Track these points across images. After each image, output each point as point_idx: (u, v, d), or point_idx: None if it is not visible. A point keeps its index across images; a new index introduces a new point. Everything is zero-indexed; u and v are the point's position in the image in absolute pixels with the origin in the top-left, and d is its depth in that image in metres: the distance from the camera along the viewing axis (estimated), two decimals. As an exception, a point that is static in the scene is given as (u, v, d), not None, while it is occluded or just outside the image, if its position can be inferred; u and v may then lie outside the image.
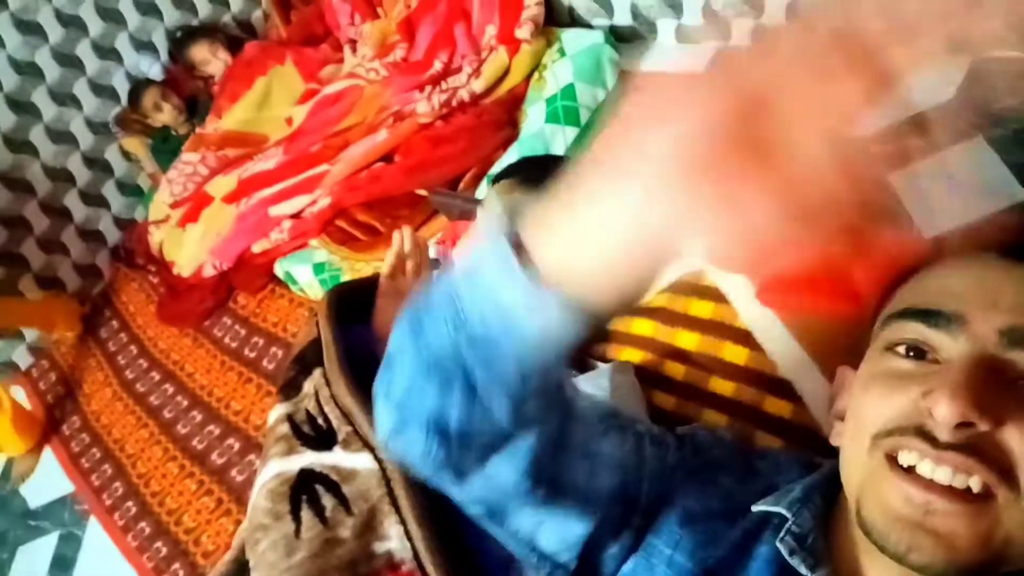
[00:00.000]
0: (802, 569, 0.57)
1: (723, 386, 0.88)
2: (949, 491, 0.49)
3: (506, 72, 2.06)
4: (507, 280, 0.43)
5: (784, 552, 0.58)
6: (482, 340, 0.46)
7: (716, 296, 0.93)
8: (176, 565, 1.97)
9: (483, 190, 1.90)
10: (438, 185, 1.95)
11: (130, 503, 2.20)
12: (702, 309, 0.93)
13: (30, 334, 2.85)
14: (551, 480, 0.61)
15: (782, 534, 0.59)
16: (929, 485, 0.49)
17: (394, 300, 0.96)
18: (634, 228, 0.38)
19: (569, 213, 0.41)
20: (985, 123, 1.41)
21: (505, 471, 0.57)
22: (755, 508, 0.63)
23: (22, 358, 2.86)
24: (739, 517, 0.64)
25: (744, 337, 0.88)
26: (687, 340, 0.93)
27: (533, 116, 1.96)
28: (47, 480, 2.44)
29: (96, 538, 2.19)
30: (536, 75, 2.05)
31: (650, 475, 0.67)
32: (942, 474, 0.49)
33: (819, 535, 0.60)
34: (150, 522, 2.12)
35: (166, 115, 2.87)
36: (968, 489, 0.48)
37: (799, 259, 0.75)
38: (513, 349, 0.46)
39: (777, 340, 0.87)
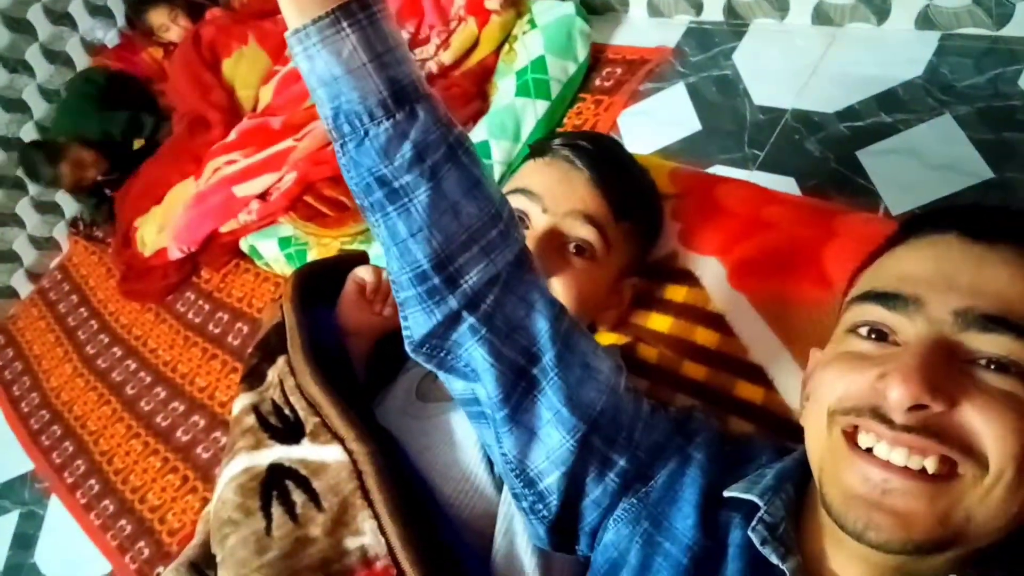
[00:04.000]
0: (773, 558, 0.57)
1: (695, 370, 0.88)
2: (905, 471, 0.50)
3: (475, 43, 2.02)
4: (300, 60, 0.59)
5: (756, 541, 0.59)
6: (343, 124, 0.60)
7: (690, 279, 0.92)
8: (141, 543, 1.96)
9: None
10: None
11: (92, 481, 2.18)
12: (675, 293, 0.93)
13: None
14: (566, 344, 0.68)
15: (754, 523, 0.60)
16: (886, 465, 0.51)
17: (356, 312, 0.94)
18: None
19: None
20: (951, 101, 1.42)
21: (537, 318, 0.67)
22: (727, 494, 0.64)
23: (-24, 334, 2.79)
24: (717, 502, 0.65)
25: (717, 321, 0.88)
26: (660, 323, 0.92)
27: (503, 89, 1.93)
28: (6, 457, 2.39)
29: (58, 516, 2.17)
30: (506, 47, 2.01)
31: (643, 427, 0.70)
32: (898, 455, 0.50)
33: (790, 524, 0.61)
34: (113, 500, 2.10)
35: (173, 34, 2.75)
36: (923, 469, 0.50)
37: (770, 243, 0.78)
38: (352, 99, 0.59)
39: (749, 324, 0.86)
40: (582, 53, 1.94)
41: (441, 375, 0.72)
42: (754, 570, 0.59)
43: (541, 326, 0.67)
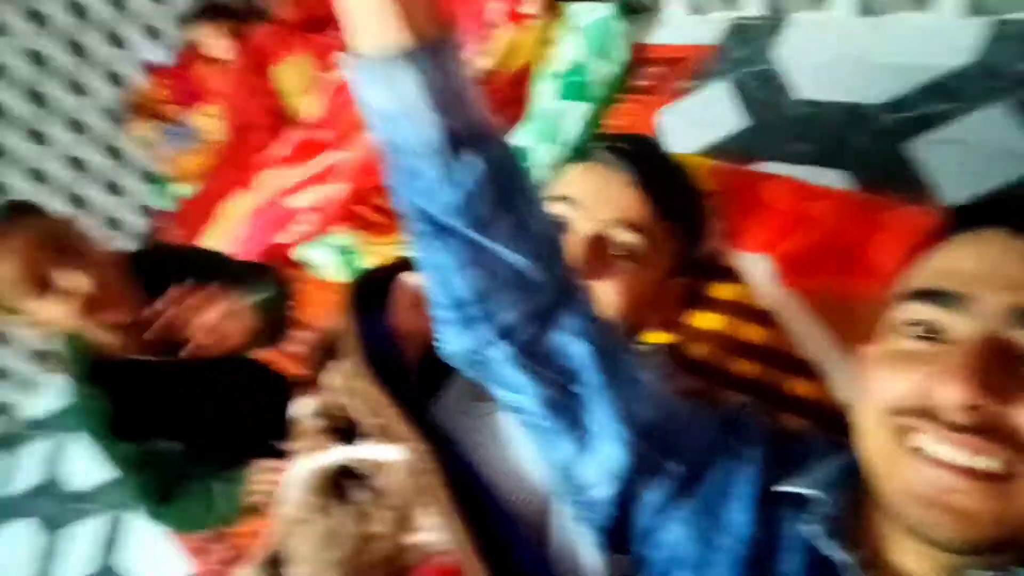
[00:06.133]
0: (834, 551, 0.57)
1: (745, 367, 0.88)
2: (967, 471, 0.49)
3: (514, 49, 2.04)
4: (358, 85, 0.58)
5: (816, 535, 0.58)
6: (395, 155, 0.59)
7: (736, 277, 0.93)
8: (218, 546, 2.00)
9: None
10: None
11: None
12: (723, 291, 0.93)
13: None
14: (612, 363, 0.67)
15: (814, 516, 0.59)
16: (948, 466, 0.50)
17: (409, 317, 0.96)
18: None
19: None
20: (1007, 87, 1.38)
21: (579, 341, 0.66)
22: (784, 488, 0.64)
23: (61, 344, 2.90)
24: (773, 497, 0.65)
25: (764, 317, 0.88)
26: (708, 321, 0.93)
27: (543, 92, 1.94)
28: (93, 463, 2.48)
29: (143, 521, 2.23)
30: (545, 50, 2.02)
31: (692, 430, 0.70)
32: (960, 456, 0.50)
33: (852, 517, 0.60)
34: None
35: (221, 50, 2.80)
36: (984, 469, 0.49)
37: (817, 238, 0.77)
38: (405, 136, 0.57)
39: (798, 320, 0.87)
40: (622, 54, 1.94)
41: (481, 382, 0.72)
42: (813, 563, 0.59)
43: (584, 348, 0.66)
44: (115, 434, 1.18)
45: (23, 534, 2.49)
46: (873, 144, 1.50)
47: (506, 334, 0.64)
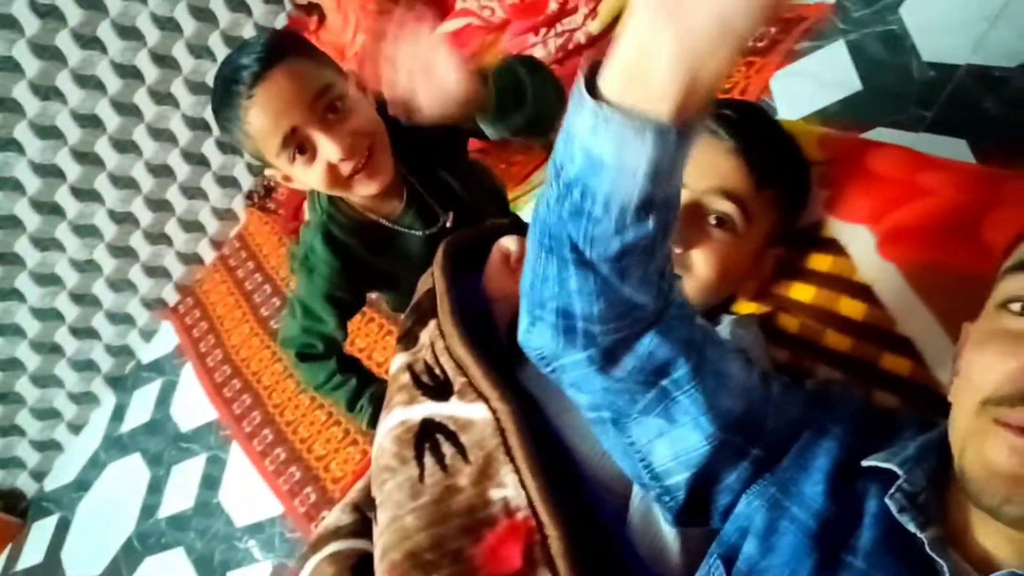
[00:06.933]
0: (911, 527, 0.56)
1: (839, 341, 0.86)
2: None
3: (623, 10, 2.00)
4: (582, 114, 0.51)
5: (894, 509, 0.58)
6: (576, 192, 0.54)
7: (835, 248, 0.90)
8: (308, 489, 2.14)
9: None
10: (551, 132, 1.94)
11: (267, 431, 2.39)
12: (820, 262, 0.90)
13: (176, 272, 3.09)
14: (700, 357, 0.65)
15: (892, 491, 0.59)
16: None
17: (500, 280, 0.97)
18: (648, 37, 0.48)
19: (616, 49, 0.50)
20: None
21: (660, 348, 0.63)
22: (866, 463, 0.63)
23: (170, 295, 3.11)
24: (855, 472, 0.64)
25: (863, 291, 0.85)
26: (803, 293, 0.91)
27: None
28: (196, 406, 2.68)
29: (238, 461, 2.40)
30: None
31: (775, 412, 0.69)
32: None
33: (932, 494, 0.59)
34: (285, 448, 2.30)
35: None
36: None
37: (925, 211, 0.73)
38: (601, 186, 0.52)
39: (898, 295, 0.83)
40: (733, 14, 1.88)
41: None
42: (891, 539, 0.58)
43: (671, 352, 0.65)
44: (330, 295, 1.19)
45: (131, 469, 2.71)
46: (1002, 111, 1.40)
47: (600, 354, 0.63)
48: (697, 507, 0.70)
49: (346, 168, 1.03)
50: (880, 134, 1.49)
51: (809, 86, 1.74)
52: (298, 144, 1.00)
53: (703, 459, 0.66)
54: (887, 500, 0.59)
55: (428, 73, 0.91)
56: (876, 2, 1.76)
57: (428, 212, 1.21)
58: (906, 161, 0.91)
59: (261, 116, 0.97)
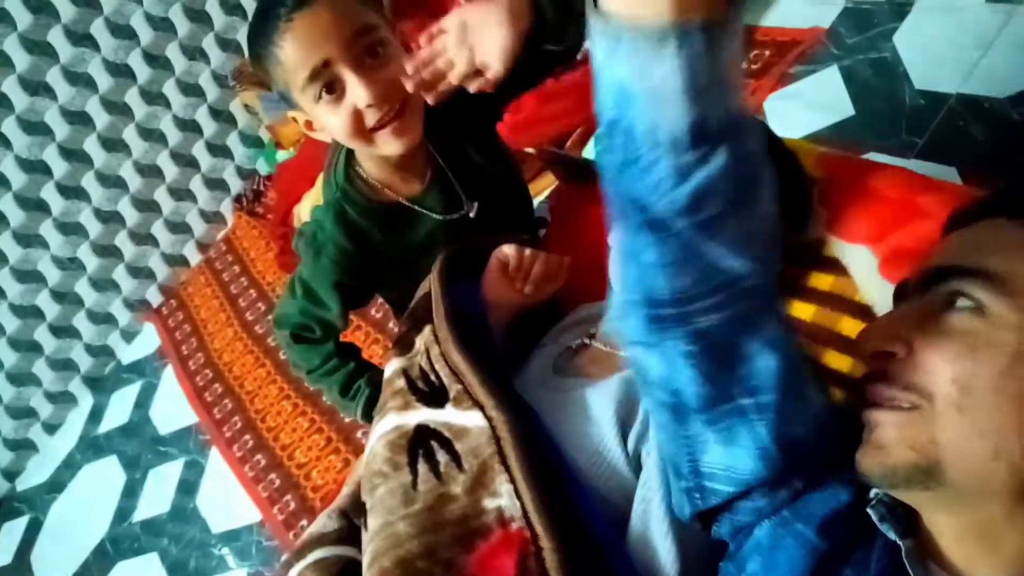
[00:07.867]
0: (891, 535, 0.57)
1: (839, 361, 0.86)
2: None
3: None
4: (596, 42, 0.47)
5: (874, 517, 0.59)
6: (619, 136, 0.49)
7: (837, 268, 0.90)
8: (288, 496, 2.11)
9: (591, 150, 1.87)
10: (545, 143, 1.94)
11: (248, 436, 2.36)
12: (821, 281, 0.90)
13: (160, 273, 3.05)
14: (789, 385, 0.61)
15: (873, 501, 0.60)
16: None
17: (498, 288, 0.96)
18: None
19: None
20: None
21: (765, 354, 0.60)
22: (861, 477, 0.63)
23: (154, 296, 3.07)
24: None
25: (864, 312, 0.85)
26: (803, 311, 0.90)
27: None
28: (175, 410, 2.64)
29: (217, 467, 2.36)
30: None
31: (830, 449, 0.65)
32: None
33: (908, 507, 0.59)
34: (265, 455, 2.27)
35: None
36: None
37: (926, 232, 0.72)
38: (639, 119, 0.47)
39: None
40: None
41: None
42: (891, 552, 0.58)
43: (774, 362, 0.60)
44: (337, 281, 1.13)
45: (106, 471, 2.65)
46: (991, 140, 1.42)
47: (698, 339, 0.58)
48: (718, 513, 0.68)
49: (372, 118, 0.96)
50: (871, 158, 1.50)
51: (802, 109, 1.76)
52: (328, 82, 0.94)
53: (754, 481, 0.63)
54: (868, 509, 0.59)
55: (481, 27, 0.86)
56: (870, 29, 1.78)
57: (451, 195, 1.14)
58: (906, 182, 0.91)
59: (296, 42, 0.92)
